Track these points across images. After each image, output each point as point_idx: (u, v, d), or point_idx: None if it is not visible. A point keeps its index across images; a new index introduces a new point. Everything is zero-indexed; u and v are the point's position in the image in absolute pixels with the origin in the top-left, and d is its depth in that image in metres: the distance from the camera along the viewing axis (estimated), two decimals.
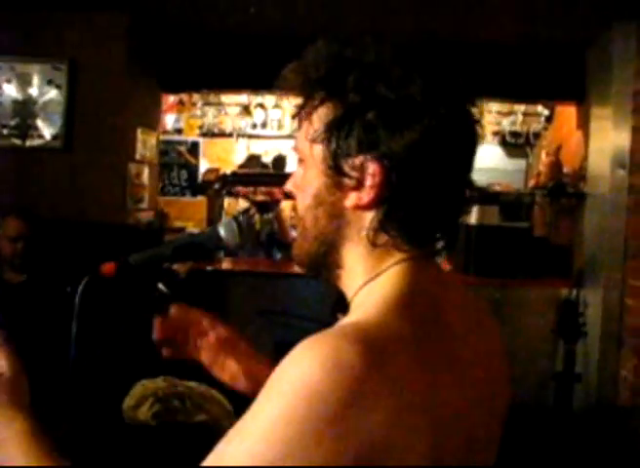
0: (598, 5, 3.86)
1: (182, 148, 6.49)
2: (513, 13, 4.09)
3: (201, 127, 6.36)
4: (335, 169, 0.90)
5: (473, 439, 0.87)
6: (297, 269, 4.35)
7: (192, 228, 5.85)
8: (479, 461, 0.90)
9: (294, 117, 0.98)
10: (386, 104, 0.86)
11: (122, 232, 3.98)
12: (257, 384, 1.24)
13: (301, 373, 0.74)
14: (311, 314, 4.24)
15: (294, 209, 1.03)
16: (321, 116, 0.91)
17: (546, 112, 5.18)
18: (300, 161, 0.98)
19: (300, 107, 0.94)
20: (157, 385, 3.13)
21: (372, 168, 0.87)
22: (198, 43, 4.72)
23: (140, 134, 4.41)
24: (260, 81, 4.85)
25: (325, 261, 0.97)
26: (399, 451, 0.77)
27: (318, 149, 0.91)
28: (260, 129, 6.47)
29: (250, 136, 6.54)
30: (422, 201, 0.90)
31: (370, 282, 0.92)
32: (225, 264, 4.75)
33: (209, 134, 6.44)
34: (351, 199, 0.90)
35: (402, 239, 0.91)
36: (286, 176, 1.03)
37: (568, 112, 4.99)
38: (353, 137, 0.87)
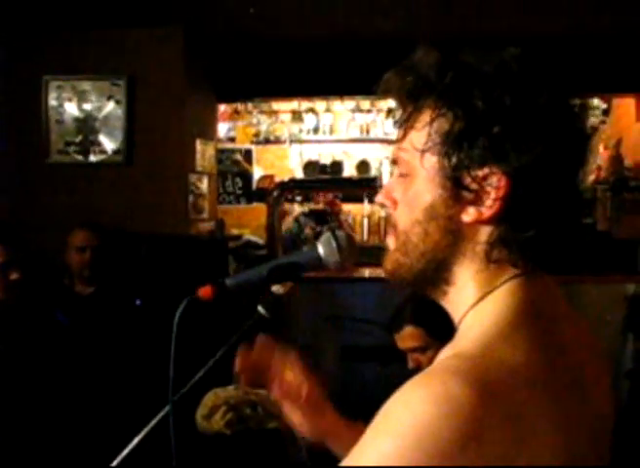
0: None
1: (239, 156, 6.54)
2: (566, 4, 4.04)
3: (256, 134, 6.40)
4: (455, 181, 0.87)
5: (598, 455, 0.86)
6: (359, 273, 4.35)
7: (249, 235, 5.89)
8: None
9: (397, 125, 0.94)
10: (514, 117, 0.84)
11: (186, 243, 4.03)
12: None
13: (411, 412, 0.72)
14: (375, 317, 4.24)
15: (388, 221, 0.98)
16: (436, 126, 0.87)
17: (604, 105, 5.10)
18: (403, 174, 0.93)
19: (407, 115, 0.91)
20: (229, 394, 3.16)
21: (497, 180, 0.84)
22: (250, 51, 4.77)
23: (198, 144, 4.46)
24: (311, 86, 4.91)
25: (433, 278, 0.93)
26: None
27: (432, 160, 0.88)
28: (313, 134, 6.48)
29: (302, 142, 6.55)
30: (546, 214, 0.87)
31: (481, 301, 0.89)
32: None
33: (262, 141, 6.47)
34: (470, 213, 0.87)
35: (521, 254, 0.88)
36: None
37: (626, 104, 4.90)
38: (478, 149, 0.84)
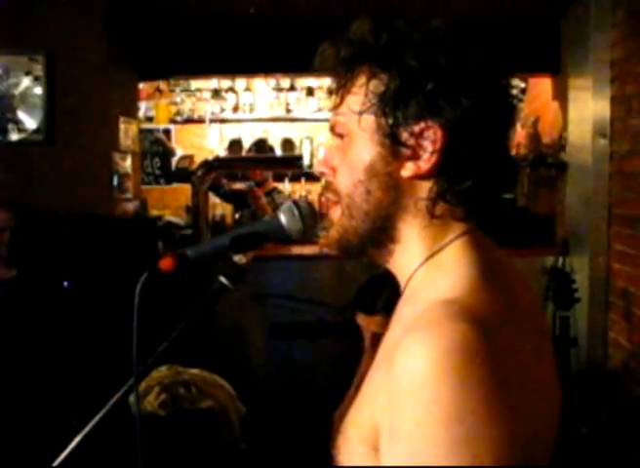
0: None
1: (162, 136, 6.42)
2: None
3: (178, 113, 6.29)
4: (392, 137, 0.90)
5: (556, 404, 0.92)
6: (281, 251, 4.35)
7: (170, 216, 5.81)
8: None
9: (331, 92, 0.98)
10: (446, 74, 0.88)
11: (114, 223, 3.94)
12: None
13: (442, 368, 0.75)
14: (298, 295, 4.28)
15: (328, 189, 1.01)
16: (372, 87, 0.91)
17: (522, 85, 5.25)
18: (341, 136, 0.97)
19: (344, 81, 0.94)
20: (161, 374, 3.14)
21: (433, 134, 0.89)
22: (172, 28, 4.66)
23: (121, 123, 4.36)
24: (233, 64, 4.86)
25: (378, 237, 0.96)
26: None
27: (369, 120, 0.92)
28: (232, 113, 6.43)
29: (222, 121, 6.49)
30: (481, 167, 0.91)
31: (433, 256, 0.93)
32: None
33: (183, 120, 6.38)
34: (409, 168, 0.91)
35: (463, 209, 0.92)
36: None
37: (542, 84, 5.06)
38: (413, 106, 0.89)
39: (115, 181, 4.24)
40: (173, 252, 1.26)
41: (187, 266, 1.26)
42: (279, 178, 6.04)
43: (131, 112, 4.63)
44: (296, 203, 1.25)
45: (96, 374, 3.26)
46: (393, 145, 0.91)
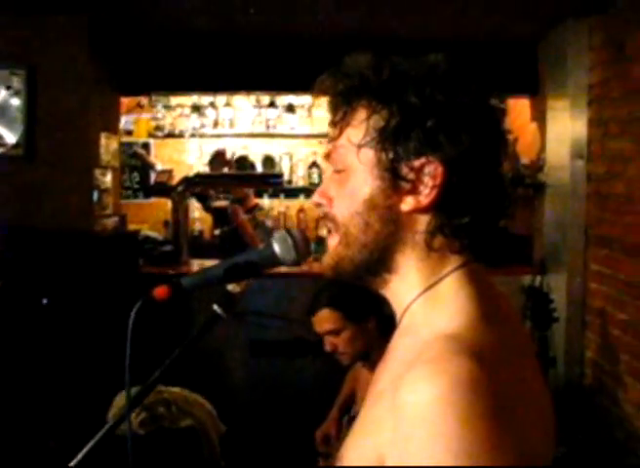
0: (548, 3, 3.99)
1: (141, 150, 6.39)
2: (460, 9, 4.15)
3: (158, 128, 6.27)
4: (392, 172, 0.92)
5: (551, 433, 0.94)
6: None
7: (148, 231, 5.79)
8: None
9: (332, 124, 0.99)
10: (446, 111, 0.91)
11: (94, 240, 3.91)
12: None
13: (449, 403, 0.76)
14: (275, 312, 4.28)
15: (326, 218, 1.02)
16: (372, 122, 0.93)
17: (502, 106, 5.31)
18: (339, 169, 0.99)
19: (343, 114, 0.96)
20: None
21: (433, 169, 0.91)
22: (154, 44, 4.68)
23: (102, 138, 4.34)
24: (214, 81, 4.88)
25: (374, 267, 0.98)
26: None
27: (369, 154, 0.94)
28: (213, 128, 6.43)
29: (202, 136, 6.48)
30: (478, 201, 0.94)
31: (430, 288, 0.95)
32: (187, 268, 4.69)
33: (163, 135, 6.36)
34: (408, 202, 0.93)
35: (460, 242, 0.94)
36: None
37: (521, 105, 5.13)
38: (414, 141, 0.91)
39: (95, 197, 4.21)
40: (168, 281, 1.27)
41: (181, 295, 1.28)
42: (258, 194, 6.04)
43: (112, 127, 4.61)
44: (289, 231, 1.27)
45: (73, 393, 3.23)
46: (393, 179, 0.93)
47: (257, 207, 5.18)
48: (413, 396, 0.79)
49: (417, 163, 0.92)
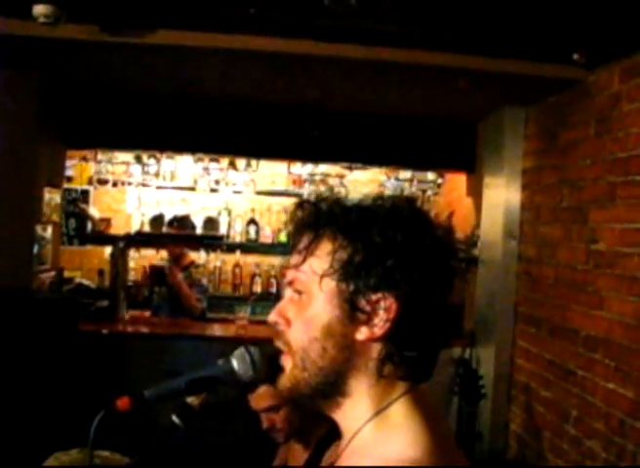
0: (491, 88, 4.19)
1: (83, 204, 6.35)
2: (396, 86, 4.26)
3: (99, 176, 6.26)
4: (351, 304, 1.00)
5: None
6: (195, 330, 4.37)
7: (82, 278, 5.74)
8: None
9: (295, 252, 1.07)
10: (404, 251, 1.00)
11: (23, 298, 3.83)
12: None
13: None
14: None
15: (279, 338, 1.08)
16: (337, 256, 1.01)
17: (439, 180, 5.51)
18: (299, 292, 1.05)
19: (308, 243, 1.04)
20: (71, 457, 3.06)
21: (388, 305, 0.99)
22: (101, 102, 4.73)
23: (46, 193, 4.31)
24: (158, 141, 4.96)
25: (329, 391, 1.04)
26: None
27: (331, 284, 1.01)
28: (154, 179, 6.46)
29: (143, 185, 6.49)
30: (426, 333, 1.02)
31: (380, 413, 1.02)
32: (124, 327, 4.65)
33: (100, 183, 6.34)
34: (363, 332, 1.00)
35: (407, 369, 1.02)
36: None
37: (457, 179, 5.33)
38: (373, 277, 0.99)
39: (35, 250, 4.17)
40: (130, 394, 1.34)
41: (142, 406, 1.34)
42: (196, 247, 6.07)
43: (56, 181, 4.58)
44: (247, 349, 1.35)
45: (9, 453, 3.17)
46: (351, 310, 1.00)
47: (192, 264, 5.20)
48: None
49: (374, 297, 0.99)
